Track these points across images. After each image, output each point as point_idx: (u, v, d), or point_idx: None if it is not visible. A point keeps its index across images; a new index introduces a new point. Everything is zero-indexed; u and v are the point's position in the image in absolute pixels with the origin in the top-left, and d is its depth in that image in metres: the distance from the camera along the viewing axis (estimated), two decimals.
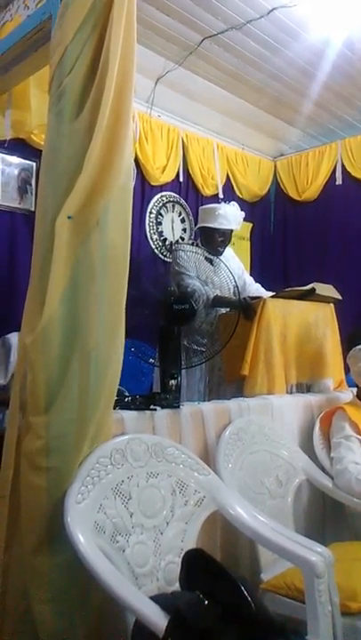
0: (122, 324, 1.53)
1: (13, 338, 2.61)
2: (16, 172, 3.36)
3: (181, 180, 4.24)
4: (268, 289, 2.99)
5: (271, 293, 2.68)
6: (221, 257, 2.77)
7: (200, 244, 2.96)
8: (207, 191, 4.38)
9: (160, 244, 4.13)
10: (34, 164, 3.37)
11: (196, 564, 1.25)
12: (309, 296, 2.61)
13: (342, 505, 2.11)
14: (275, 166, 4.94)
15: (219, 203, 3.27)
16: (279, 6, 2.92)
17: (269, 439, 2.05)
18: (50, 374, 1.42)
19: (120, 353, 1.53)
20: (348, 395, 2.53)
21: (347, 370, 2.56)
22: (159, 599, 1.21)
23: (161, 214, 4.15)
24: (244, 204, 4.21)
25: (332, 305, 2.76)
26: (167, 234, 4.18)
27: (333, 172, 4.45)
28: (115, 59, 1.50)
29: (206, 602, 1.14)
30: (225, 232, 2.95)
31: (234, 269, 2.66)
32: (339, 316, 2.78)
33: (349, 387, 2.68)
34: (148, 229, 4.06)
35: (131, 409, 1.76)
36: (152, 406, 1.80)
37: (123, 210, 1.53)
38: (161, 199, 4.15)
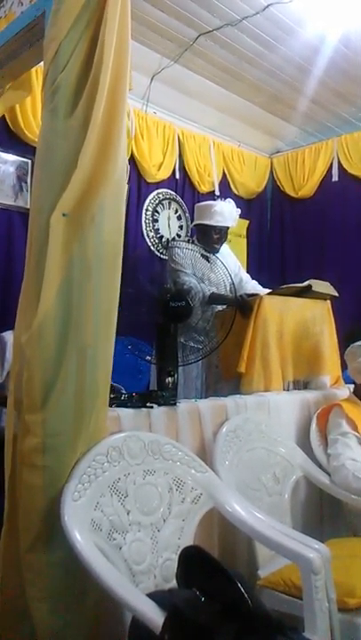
0: (115, 321, 1.52)
1: (9, 336, 2.60)
2: (11, 169, 3.34)
3: (177, 177, 4.23)
4: (264, 286, 2.99)
5: (268, 290, 2.68)
6: (218, 254, 2.77)
7: (196, 242, 2.95)
8: (203, 188, 4.37)
9: (156, 241, 4.12)
10: (29, 161, 3.36)
11: (193, 561, 1.25)
12: (306, 293, 2.61)
13: (339, 501, 2.11)
14: (271, 163, 4.93)
15: (215, 200, 3.27)
16: (275, 2, 2.92)
17: (266, 436, 2.05)
18: (45, 372, 1.42)
19: (112, 350, 1.53)
20: (345, 391, 2.54)
21: (344, 366, 2.57)
22: (156, 596, 1.21)
23: (157, 211, 4.15)
24: (240, 201, 4.21)
25: (328, 302, 2.76)
26: (163, 231, 4.18)
27: (330, 168, 4.45)
28: (109, 55, 1.49)
29: (203, 599, 1.14)
30: (221, 229, 2.95)
31: (230, 266, 2.66)
32: (336, 312, 2.78)
33: (346, 383, 2.69)
34: (144, 227, 4.05)
35: (127, 406, 1.75)
36: (149, 404, 1.80)
37: (117, 207, 1.52)
38: (157, 196, 4.14)
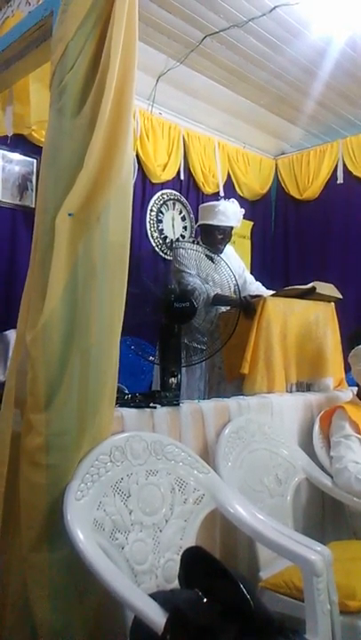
0: (120, 321, 1.52)
1: (11, 334, 2.61)
2: (17, 168, 3.35)
3: (182, 177, 4.24)
4: (268, 288, 2.99)
5: (271, 292, 2.67)
6: (222, 255, 2.77)
7: (200, 242, 2.95)
8: (208, 189, 4.37)
9: (161, 241, 4.12)
10: (34, 160, 3.37)
11: (195, 562, 1.25)
12: (310, 295, 2.61)
13: (342, 504, 2.11)
14: (276, 165, 4.94)
15: (219, 200, 3.27)
16: (281, 4, 2.92)
17: (269, 438, 2.05)
18: (50, 371, 1.42)
19: (117, 350, 1.53)
20: (348, 394, 2.53)
21: (347, 369, 2.56)
22: (158, 596, 1.21)
23: (162, 212, 4.15)
24: (244, 203, 4.22)
25: (332, 304, 2.76)
26: (168, 232, 4.18)
27: (335, 170, 4.46)
28: (116, 55, 1.49)
29: (205, 600, 1.13)
30: (225, 229, 2.94)
31: (234, 268, 2.66)
32: (340, 314, 2.78)
33: (350, 386, 2.68)
34: (148, 227, 4.06)
35: (130, 406, 1.75)
36: (152, 404, 1.80)
37: (123, 207, 1.52)
38: (162, 197, 4.15)
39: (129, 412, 1.70)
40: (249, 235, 4.76)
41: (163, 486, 1.58)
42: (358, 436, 2.11)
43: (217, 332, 2.42)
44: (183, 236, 4.26)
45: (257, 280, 3.12)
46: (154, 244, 4.08)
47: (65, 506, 1.36)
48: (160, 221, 4.14)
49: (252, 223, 4.73)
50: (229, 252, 3.07)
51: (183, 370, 2.07)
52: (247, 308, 2.43)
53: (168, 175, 4.11)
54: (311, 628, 1.37)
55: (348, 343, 2.55)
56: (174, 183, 4.22)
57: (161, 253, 4.10)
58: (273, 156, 4.94)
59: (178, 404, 1.87)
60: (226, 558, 1.77)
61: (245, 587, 1.13)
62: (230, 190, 4.52)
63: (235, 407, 2.05)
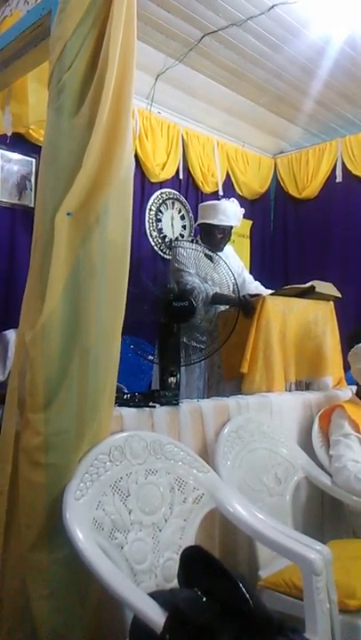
0: (120, 321, 1.52)
1: (10, 334, 2.61)
2: (15, 168, 3.35)
3: (181, 177, 4.24)
4: (267, 287, 2.99)
5: (271, 291, 2.67)
6: (221, 254, 2.77)
7: (200, 241, 2.95)
8: (207, 188, 4.37)
9: (160, 241, 4.12)
10: (33, 160, 3.37)
11: (194, 562, 1.25)
12: (309, 294, 2.61)
13: (341, 503, 2.11)
14: (275, 164, 4.94)
15: (218, 200, 3.27)
16: (280, 3, 2.92)
17: (268, 437, 2.05)
18: (49, 371, 1.42)
19: (118, 350, 1.53)
20: (347, 393, 2.53)
21: (346, 368, 2.56)
22: (157, 596, 1.21)
23: (161, 211, 4.15)
24: (244, 202, 4.21)
25: (331, 303, 2.76)
26: (167, 231, 4.18)
27: (334, 169, 4.46)
28: (114, 54, 1.49)
29: (205, 599, 1.13)
30: (225, 228, 2.94)
31: (233, 267, 2.66)
32: (339, 313, 2.78)
33: (349, 385, 2.68)
34: (147, 226, 4.06)
35: (130, 406, 1.75)
36: (151, 403, 1.80)
37: (123, 206, 1.52)
38: (161, 196, 4.15)
39: (128, 412, 1.70)
40: (248, 234, 4.76)
41: (162, 485, 1.58)
42: (358, 434, 2.11)
43: (216, 332, 2.42)
44: (182, 236, 4.26)
45: (256, 279, 3.12)
46: (153, 244, 4.08)
47: (64, 505, 1.36)
48: (159, 220, 4.14)
49: (251, 222, 4.73)
50: (228, 251, 3.07)
51: (182, 369, 2.07)
52: (246, 307, 2.43)
53: (167, 174, 4.11)
54: (311, 627, 1.38)
55: (347, 342, 2.55)
56: (173, 182, 4.22)
57: (160, 252, 4.10)
58: (272, 155, 4.94)
59: (177, 404, 1.87)
60: (225, 557, 1.78)
61: (245, 586, 1.13)
62: (229, 189, 4.52)
63: (234, 406, 2.05)
